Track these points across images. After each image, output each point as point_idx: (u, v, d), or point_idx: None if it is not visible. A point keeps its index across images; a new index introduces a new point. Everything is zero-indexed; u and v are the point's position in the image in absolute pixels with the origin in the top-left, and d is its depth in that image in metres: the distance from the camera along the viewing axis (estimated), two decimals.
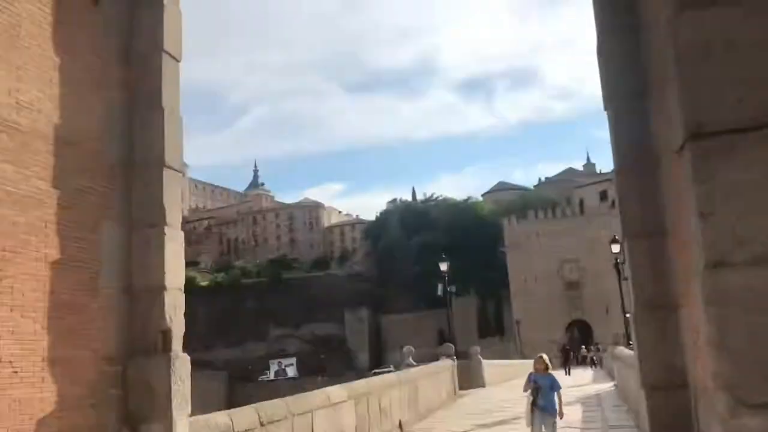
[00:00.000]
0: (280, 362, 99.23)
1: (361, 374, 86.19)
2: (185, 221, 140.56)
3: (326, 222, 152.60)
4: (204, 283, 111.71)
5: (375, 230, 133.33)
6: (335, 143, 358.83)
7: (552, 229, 69.54)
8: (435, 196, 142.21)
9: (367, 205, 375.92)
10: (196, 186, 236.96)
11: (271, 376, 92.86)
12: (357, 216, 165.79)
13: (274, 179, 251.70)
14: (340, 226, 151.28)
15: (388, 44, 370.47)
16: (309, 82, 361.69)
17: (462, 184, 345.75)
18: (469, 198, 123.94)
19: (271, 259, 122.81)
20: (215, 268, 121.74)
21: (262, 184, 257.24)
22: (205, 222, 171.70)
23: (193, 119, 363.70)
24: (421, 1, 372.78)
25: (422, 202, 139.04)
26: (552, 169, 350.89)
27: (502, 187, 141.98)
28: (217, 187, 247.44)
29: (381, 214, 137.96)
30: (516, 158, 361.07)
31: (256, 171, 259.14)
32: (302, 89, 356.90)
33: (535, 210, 75.62)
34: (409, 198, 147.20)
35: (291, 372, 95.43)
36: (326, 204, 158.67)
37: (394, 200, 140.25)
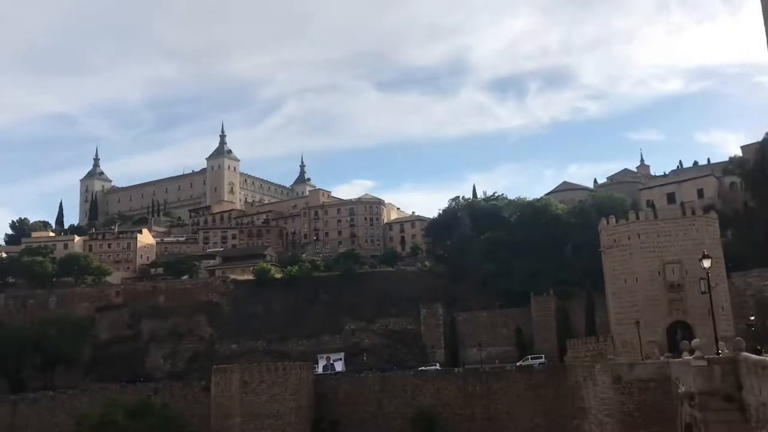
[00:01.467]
0: (328, 357, 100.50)
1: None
2: (244, 214, 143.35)
3: (385, 218, 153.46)
4: (278, 276, 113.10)
5: (438, 227, 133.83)
6: (365, 140, 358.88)
7: (654, 229, 69.01)
8: (497, 194, 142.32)
9: (399, 202, 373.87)
10: (245, 180, 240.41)
11: (320, 370, 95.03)
12: (413, 212, 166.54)
13: (294, 175, 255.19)
14: (400, 222, 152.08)
15: (421, 42, 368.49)
16: (341, 79, 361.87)
17: (492, 184, 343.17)
18: (540, 198, 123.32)
19: (340, 253, 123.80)
20: (284, 261, 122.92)
21: (308, 179, 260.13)
22: (263, 216, 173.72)
23: (226, 114, 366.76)
24: (452, 1, 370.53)
25: (485, 200, 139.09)
26: (585, 171, 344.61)
27: (567, 187, 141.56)
28: (265, 181, 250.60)
29: (444, 211, 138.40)
30: (547, 158, 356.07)
31: (302, 166, 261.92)
32: (334, 86, 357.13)
33: (636, 211, 75.43)
34: (470, 196, 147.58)
35: (339, 367, 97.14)
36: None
37: (456, 198, 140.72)
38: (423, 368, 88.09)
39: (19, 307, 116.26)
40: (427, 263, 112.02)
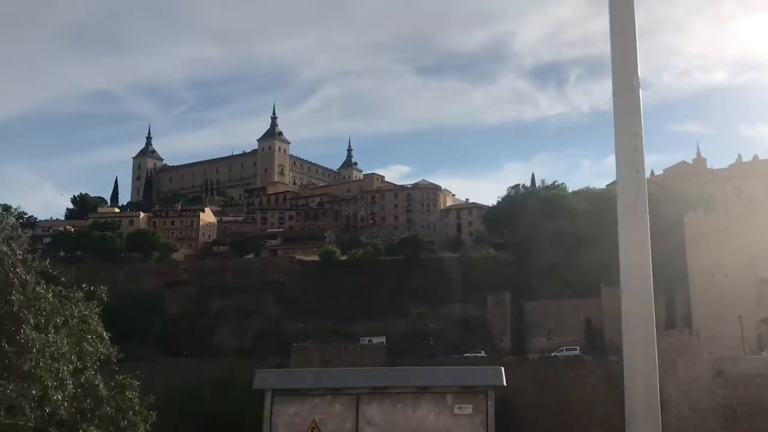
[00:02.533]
0: (370, 340, 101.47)
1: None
2: (298, 196, 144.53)
3: (442, 204, 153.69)
4: (343, 258, 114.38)
5: (497, 215, 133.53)
6: (402, 125, 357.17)
7: (745, 224, 68.25)
8: (556, 182, 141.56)
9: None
10: (294, 163, 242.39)
11: None
12: (467, 199, 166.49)
13: (341, 158, 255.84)
14: (457, 209, 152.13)
15: (462, 27, 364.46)
16: (381, 63, 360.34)
17: (528, 174, 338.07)
18: (606, 188, 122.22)
19: (402, 238, 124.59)
20: (344, 244, 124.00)
21: (356, 163, 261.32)
22: (317, 198, 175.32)
23: (266, 95, 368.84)
24: None
25: (546, 188, 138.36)
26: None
27: None
28: (313, 164, 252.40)
29: (503, 198, 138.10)
30: (585, 148, 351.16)
31: (349, 150, 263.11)
32: (373, 70, 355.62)
33: (720, 203, 74.42)
34: (529, 184, 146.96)
35: None
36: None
37: (517, 186, 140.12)
38: (467, 355, 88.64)
39: (89, 281, 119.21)
40: (491, 250, 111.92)
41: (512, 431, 76.36)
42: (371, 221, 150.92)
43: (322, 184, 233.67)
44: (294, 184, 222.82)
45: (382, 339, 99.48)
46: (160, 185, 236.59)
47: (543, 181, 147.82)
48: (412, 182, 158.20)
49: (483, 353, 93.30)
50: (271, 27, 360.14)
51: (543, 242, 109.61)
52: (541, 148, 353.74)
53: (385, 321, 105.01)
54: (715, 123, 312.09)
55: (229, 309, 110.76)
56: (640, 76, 5.52)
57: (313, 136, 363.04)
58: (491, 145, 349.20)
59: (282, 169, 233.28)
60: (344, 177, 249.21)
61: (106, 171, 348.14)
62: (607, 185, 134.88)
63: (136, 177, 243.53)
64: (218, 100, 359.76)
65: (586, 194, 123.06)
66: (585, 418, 78.26)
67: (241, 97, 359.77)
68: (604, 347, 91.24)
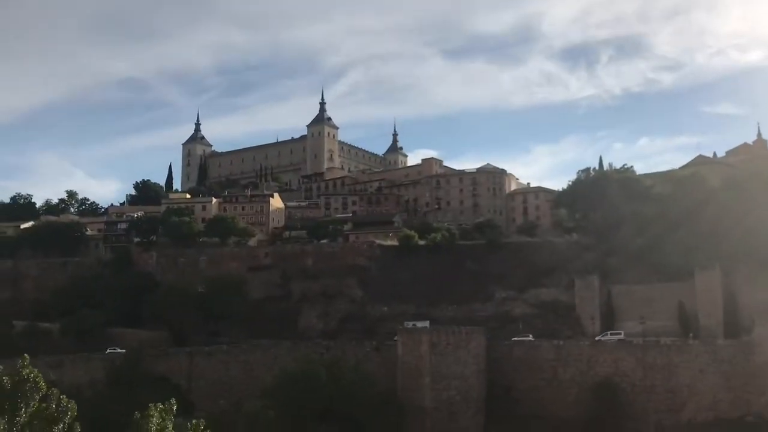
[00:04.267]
0: (414, 324, 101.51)
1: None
2: (356, 182, 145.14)
3: (507, 188, 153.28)
4: (422, 242, 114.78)
5: (569, 199, 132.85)
6: (429, 109, 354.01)
7: None
8: (626, 165, 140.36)
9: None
10: (342, 148, 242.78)
11: None
12: (528, 183, 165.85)
13: (368, 143, 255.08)
14: (523, 193, 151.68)
15: (490, 9, 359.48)
16: (407, 47, 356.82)
17: (559, 157, 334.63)
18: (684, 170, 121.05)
19: (478, 223, 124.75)
20: (415, 229, 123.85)
21: (401, 148, 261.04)
22: (376, 183, 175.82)
23: (292, 81, 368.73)
24: None
25: (617, 171, 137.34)
26: (656, 144, 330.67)
27: (703, 161, 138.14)
28: (360, 149, 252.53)
29: (573, 182, 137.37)
30: (617, 131, 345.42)
31: (395, 135, 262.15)
32: (400, 54, 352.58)
33: None
34: (597, 166, 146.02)
35: None
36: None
37: (587, 169, 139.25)
38: (599, 338, 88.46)
39: (171, 265, 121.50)
40: (574, 234, 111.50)
41: (623, 415, 76.92)
42: (436, 206, 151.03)
43: (367, 168, 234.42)
44: (341, 168, 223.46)
45: (426, 323, 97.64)
46: (209, 171, 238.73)
47: (611, 164, 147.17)
48: (476, 166, 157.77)
49: (622, 334, 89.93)
50: (297, 12, 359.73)
51: (625, 226, 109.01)
52: (570, 131, 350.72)
53: (469, 305, 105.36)
54: (751, 103, 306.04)
55: (312, 293, 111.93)
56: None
57: (341, 122, 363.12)
58: (520, 129, 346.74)
59: (331, 155, 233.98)
60: (390, 162, 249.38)
61: (139, 157, 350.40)
62: (680, 167, 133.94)
63: (186, 163, 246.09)
64: (246, 87, 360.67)
65: (661, 177, 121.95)
66: (693, 402, 78.21)
67: (268, 84, 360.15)
68: (698, 331, 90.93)
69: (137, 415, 25.34)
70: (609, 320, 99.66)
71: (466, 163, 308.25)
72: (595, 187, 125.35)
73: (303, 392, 70.73)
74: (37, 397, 23.75)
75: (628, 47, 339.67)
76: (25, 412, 23.11)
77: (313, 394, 70.95)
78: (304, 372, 73.52)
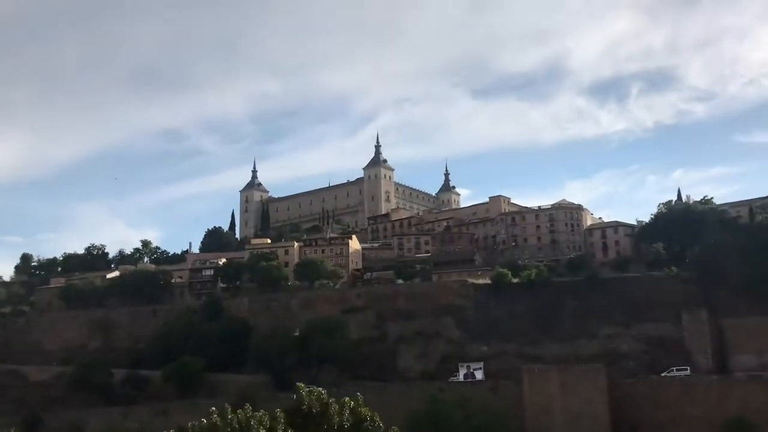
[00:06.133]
0: (469, 365, 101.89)
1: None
2: (422, 221, 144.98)
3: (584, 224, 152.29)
4: (515, 280, 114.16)
5: (653, 232, 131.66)
6: (460, 147, 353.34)
7: None
8: (706, 197, 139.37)
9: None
10: (396, 189, 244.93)
11: (460, 378, 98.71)
12: (600, 218, 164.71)
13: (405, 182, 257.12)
14: (601, 227, 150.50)
15: (517, 48, 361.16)
16: (436, 87, 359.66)
17: (594, 192, 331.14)
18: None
19: (570, 259, 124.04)
20: (505, 266, 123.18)
21: (453, 187, 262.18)
22: (443, 222, 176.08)
23: (325, 126, 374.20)
24: (551, 4, 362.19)
25: (699, 203, 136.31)
26: (691, 176, 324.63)
27: None
28: (414, 189, 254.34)
29: (654, 216, 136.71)
30: (651, 164, 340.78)
31: (447, 174, 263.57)
32: (429, 95, 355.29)
33: None
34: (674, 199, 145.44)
35: (479, 375, 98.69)
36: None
37: (669, 202, 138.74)
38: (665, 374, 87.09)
39: (263, 309, 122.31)
40: (673, 268, 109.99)
41: None
42: (513, 243, 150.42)
43: (425, 208, 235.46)
44: (397, 208, 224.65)
45: (480, 365, 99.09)
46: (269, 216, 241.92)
47: (689, 197, 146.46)
48: (544, 204, 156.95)
49: (688, 370, 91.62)
50: (327, 58, 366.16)
51: (726, 257, 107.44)
52: (603, 166, 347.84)
53: (574, 342, 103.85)
54: None
55: (408, 333, 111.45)
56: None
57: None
58: (552, 164, 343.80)
59: (388, 196, 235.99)
60: (443, 201, 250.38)
61: (178, 206, 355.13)
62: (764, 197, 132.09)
63: (244, 209, 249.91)
64: (279, 133, 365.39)
65: (741, 206, 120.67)
66: None
67: (300, 129, 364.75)
68: None
69: None
70: (722, 354, 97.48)
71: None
72: (685, 220, 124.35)
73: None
74: None
75: (658, 79, 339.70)
76: None
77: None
78: (436, 413, 72.86)
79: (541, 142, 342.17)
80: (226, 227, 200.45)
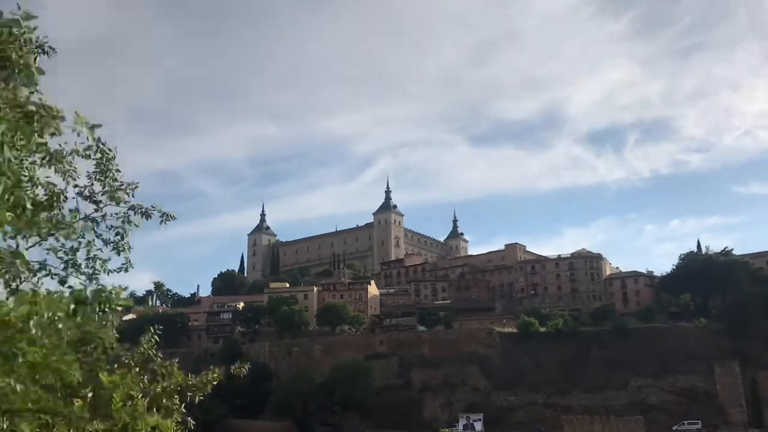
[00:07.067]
0: (468, 416, 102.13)
1: None
2: (436, 267, 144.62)
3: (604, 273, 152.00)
4: (542, 329, 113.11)
5: (672, 283, 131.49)
6: (459, 195, 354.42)
7: None
8: (726, 249, 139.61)
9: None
10: (405, 234, 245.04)
11: (460, 428, 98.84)
12: (617, 268, 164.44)
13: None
14: (621, 277, 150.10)
15: (514, 96, 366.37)
16: (434, 134, 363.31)
17: (589, 240, 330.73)
18: None
19: (595, 308, 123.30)
20: (529, 315, 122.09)
21: (462, 234, 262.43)
22: (457, 269, 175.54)
23: (324, 170, 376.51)
24: (548, 53, 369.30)
25: (720, 254, 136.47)
26: (688, 226, 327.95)
27: None
28: (422, 235, 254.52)
29: (677, 267, 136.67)
30: (648, 213, 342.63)
31: (455, 221, 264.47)
32: (427, 141, 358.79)
33: None
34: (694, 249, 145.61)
35: (478, 426, 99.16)
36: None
37: (690, 253, 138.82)
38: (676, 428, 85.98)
39: (284, 354, 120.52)
40: (702, 320, 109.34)
41: None
42: (532, 291, 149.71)
43: (430, 253, 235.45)
44: (410, 254, 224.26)
45: (480, 416, 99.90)
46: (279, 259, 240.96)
47: (707, 248, 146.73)
48: (570, 254, 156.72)
49: (699, 423, 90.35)
50: (326, 103, 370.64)
51: (755, 308, 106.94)
52: (600, 214, 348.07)
53: (603, 393, 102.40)
54: None
55: (433, 382, 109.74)
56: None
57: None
58: (549, 212, 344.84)
59: (398, 241, 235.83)
60: (452, 247, 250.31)
61: (175, 249, 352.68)
62: None
63: (251, 253, 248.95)
64: (277, 177, 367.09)
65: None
66: None
67: (297, 174, 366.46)
68: None
69: None
70: (755, 408, 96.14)
71: (496, 245, 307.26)
72: (708, 271, 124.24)
73: None
74: None
75: (654, 130, 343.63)
76: None
77: None
78: None
79: (539, 190, 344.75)
80: (227, 269, 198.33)
